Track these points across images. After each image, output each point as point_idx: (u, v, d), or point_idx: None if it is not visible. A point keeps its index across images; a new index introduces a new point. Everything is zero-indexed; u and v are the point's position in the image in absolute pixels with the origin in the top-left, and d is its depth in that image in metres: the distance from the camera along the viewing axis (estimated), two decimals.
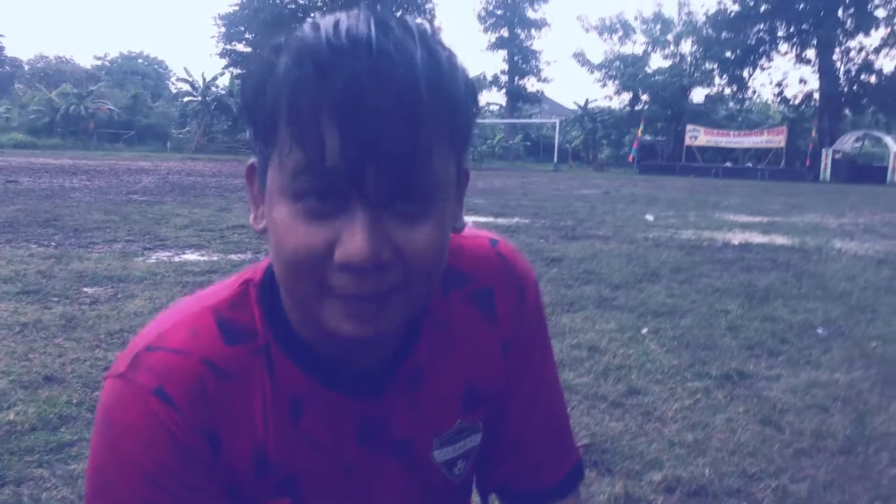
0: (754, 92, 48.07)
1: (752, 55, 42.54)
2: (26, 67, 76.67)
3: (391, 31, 0.64)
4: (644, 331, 4.54)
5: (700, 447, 2.83)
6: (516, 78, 54.91)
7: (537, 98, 56.51)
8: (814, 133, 38.21)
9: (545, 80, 56.89)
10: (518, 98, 55.13)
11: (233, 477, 0.79)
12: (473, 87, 0.72)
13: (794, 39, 41.77)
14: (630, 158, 42.16)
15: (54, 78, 62.02)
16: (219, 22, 52.08)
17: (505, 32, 54.31)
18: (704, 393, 3.46)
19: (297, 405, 0.80)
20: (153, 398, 0.74)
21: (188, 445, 0.75)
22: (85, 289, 5.23)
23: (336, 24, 0.64)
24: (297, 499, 0.83)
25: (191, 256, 6.88)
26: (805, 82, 44.12)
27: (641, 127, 42.45)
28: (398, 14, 0.67)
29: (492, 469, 0.98)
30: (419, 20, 0.68)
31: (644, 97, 46.96)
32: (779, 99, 45.24)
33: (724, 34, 42.34)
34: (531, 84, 55.82)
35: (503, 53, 54.88)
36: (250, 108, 0.69)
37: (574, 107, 50.96)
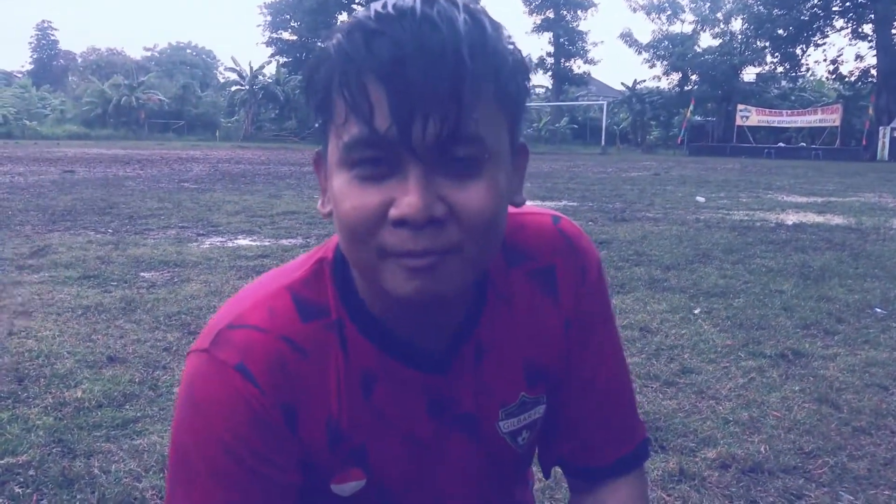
0: (808, 69, 46.62)
1: (806, 32, 41.39)
2: (79, 60, 78.43)
3: (436, 2, 0.68)
4: (696, 311, 4.50)
5: (755, 425, 2.81)
6: (562, 60, 54.36)
7: (584, 80, 55.91)
8: (871, 111, 37.09)
9: (592, 62, 56.36)
10: (564, 80, 54.60)
11: (308, 449, 0.82)
12: (522, 58, 0.74)
13: (851, 14, 40.51)
14: (679, 140, 41.51)
15: (106, 70, 63.33)
16: (264, 11, 52.57)
17: (551, 14, 53.76)
18: (759, 372, 3.42)
19: (369, 379, 0.83)
20: (235, 373, 0.77)
21: (267, 420, 0.78)
22: (142, 273, 5.37)
23: (386, 1, 0.69)
24: (367, 468, 0.86)
25: (243, 242, 7.00)
26: (862, 58, 42.10)
27: (691, 107, 41.72)
28: None
29: (553, 444, 1.00)
30: None
31: (693, 77, 46.15)
32: (833, 76, 43.94)
33: (776, 11, 41.26)
34: (577, 66, 55.27)
35: (549, 35, 54.36)
36: (308, 89, 0.73)
37: (621, 88, 50.34)
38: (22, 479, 2.26)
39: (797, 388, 3.21)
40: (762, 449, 2.59)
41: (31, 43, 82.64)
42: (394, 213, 0.68)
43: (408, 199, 0.67)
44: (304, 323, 0.81)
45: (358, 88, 0.67)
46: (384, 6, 0.68)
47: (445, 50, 0.65)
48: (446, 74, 0.65)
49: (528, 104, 0.81)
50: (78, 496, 2.18)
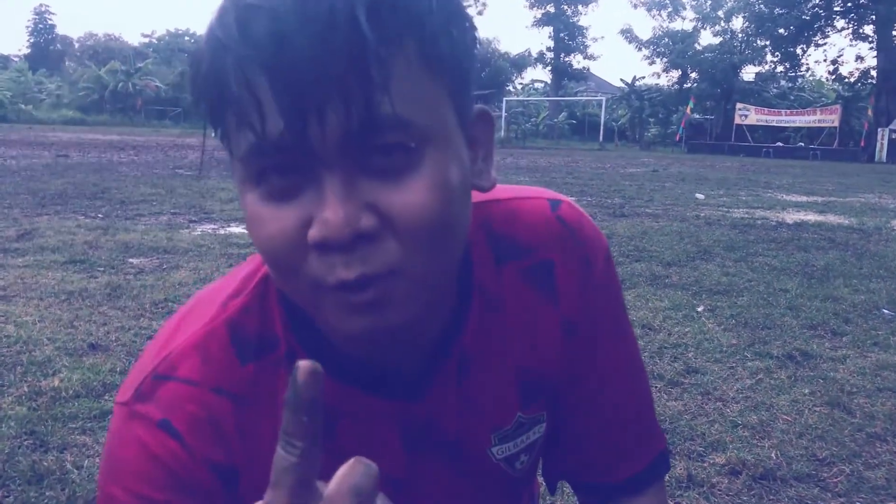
0: (808, 69, 46.51)
1: (807, 31, 41.23)
2: (76, 45, 78.10)
3: None
4: (700, 309, 4.38)
5: (765, 429, 2.69)
6: (562, 55, 54.18)
7: (583, 75, 55.72)
8: (870, 112, 36.97)
9: (591, 57, 56.02)
10: (563, 75, 54.41)
11: None
12: (455, 7, 0.58)
13: (852, 15, 40.36)
14: (678, 137, 41.39)
15: (103, 55, 63.03)
16: None
17: (551, 8, 53.52)
18: (766, 373, 3.30)
19: (330, 418, 0.69)
20: (156, 431, 0.65)
21: (191, 480, 0.66)
22: (130, 259, 5.22)
23: None
24: None
25: (236, 229, 6.86)
26: (862, 59, 42.06)
27: (690, 105, 41.57)
28: None
29: (559, 458, 0.86)
30: None
31: (693, 75, 46.02)
32: (833, 77, 43.83)
33: (777, 10, 41.10)
34: (577, 61, 55.09)
35: (549, 30, 54.16)
36: (193, 93, 0.57)
37: (621, 84, 50.16)
38: None
39: (807, 390, 3.09)
40: (773, 455, 2.47)
41: (28, 27, 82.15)
42: (312, 235, 0.53)
43: (324, 215, 0.52)
44: (243, 366, 0.68)
45: (239, 84, 0.51)
46: None
47: (336, 14, 0.49)
48: (340, 48, 0.50)
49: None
50: (47, 493, 2.04)
